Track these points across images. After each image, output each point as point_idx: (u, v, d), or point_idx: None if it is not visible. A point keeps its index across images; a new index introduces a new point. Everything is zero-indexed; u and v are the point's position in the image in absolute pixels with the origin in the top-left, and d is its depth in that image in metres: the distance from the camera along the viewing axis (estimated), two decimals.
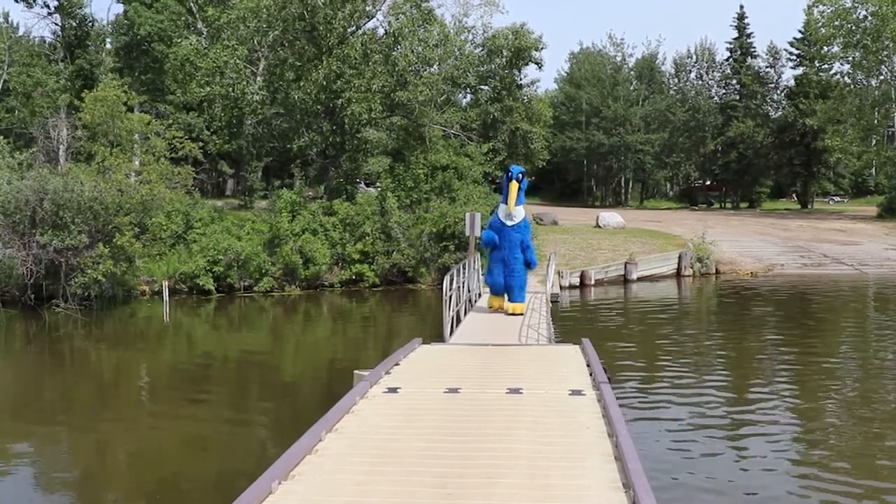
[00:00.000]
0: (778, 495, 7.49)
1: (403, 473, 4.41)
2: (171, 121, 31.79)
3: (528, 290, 14.39)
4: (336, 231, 24.79)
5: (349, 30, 27.19)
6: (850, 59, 49.37)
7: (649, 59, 69.43)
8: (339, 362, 14.22)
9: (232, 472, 8.09)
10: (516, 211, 11.97)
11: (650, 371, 12.87)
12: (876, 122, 49.98)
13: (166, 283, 21.86)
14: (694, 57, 71.48)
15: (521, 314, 12.09)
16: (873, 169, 62.83)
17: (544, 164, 54.99)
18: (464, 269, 13.26)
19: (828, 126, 52.93)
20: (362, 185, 36.77)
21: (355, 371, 8.22)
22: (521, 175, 12.00)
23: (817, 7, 48.26)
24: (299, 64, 27.71)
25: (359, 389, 6.23)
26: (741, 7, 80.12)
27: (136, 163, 26.89)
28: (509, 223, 12.01)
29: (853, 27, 46.77)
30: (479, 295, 15.13)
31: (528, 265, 12.30)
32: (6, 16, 47.61)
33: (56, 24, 42.66)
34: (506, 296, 12.40)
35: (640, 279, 26.16)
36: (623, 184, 70.72)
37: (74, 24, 42.30)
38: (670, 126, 66.74)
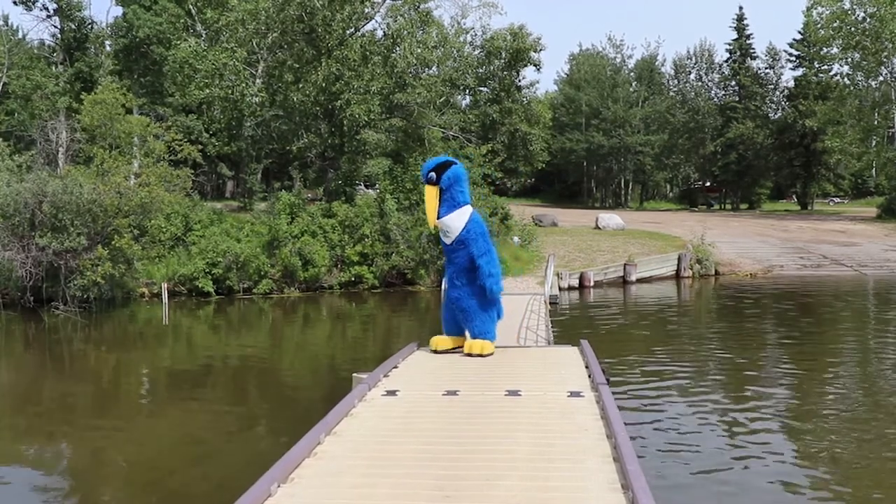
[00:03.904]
0: (778, 496, 7.48)
1: (402, 476, 4.40)
2: (170, 123, 31.82)
3: (527, 291, 14.25)
4: (335, 233, 24.79)
5: (348, 32, 27.22)
6: (850, 60, 49.47)
7: (649, 60, 69.58)
8: (338, 365, 14.20)
9: (230, 475, 8.08)
10: (446, 224, 7.86)
11: (649, 372, 12.86)
12: (876, 123, 50.06)
13: (165, 286, 21.86)
14: (693, 58, 71.65)
15: (481, 355, 7.78)
16: (873, 170, 62.92)
17: (544, 165, 55.18)
18: None
19: (828, 127, 53.06)
20: (362, 186, 36.81)
21: (354, 374, 8.20)
22: (434, 174, 7.79)
23: (816, 9, 48.36)
24: (298, 66, 27.75)
25: (357, 392, 6.22)
26: (740, 8, 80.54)
27: (136, 165, 26.92)
28: (447, 241, 8.03)
29: (852, 29, 46.86)
30: None
31: (484, 289, 7.84)
32: (6, 18, 47.76)
33: (55, 27, 42.83)
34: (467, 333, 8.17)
35: (639, 281, 26.16)
36: (623, 185, 70.81)
37: (73, 26, 42.42)
38: (670, 127, 66.85)
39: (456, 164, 7.95)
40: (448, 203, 7.87)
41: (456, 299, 8.05)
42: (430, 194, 7.84)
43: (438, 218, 7.85)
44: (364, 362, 13.09)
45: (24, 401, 12.25)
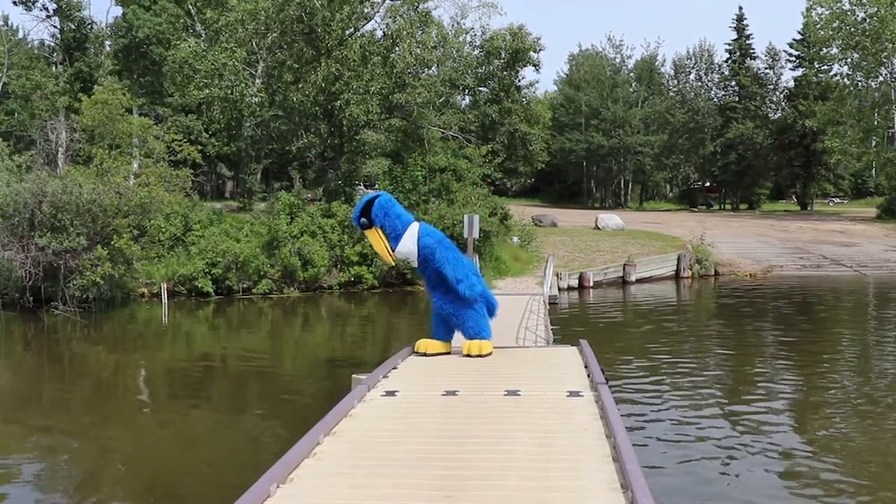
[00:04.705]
0: (776, 490, 7.48)
1: (401, 476, 4.40)
2: (169, 123, 31.80)
3: (527, 291, 14.26)
4: (335, 233, 24.77)
5: (347, 32, 27.20)
6: (849, 60, 49.48)
7: (648, 60, 69.56)
8: (338, 365, 14.19)
9: (230, 475, 8.08)
10: (402, 254, 8.05)
11: (648, 372, 12.86)
12: (875, 123, 50.08)
13: (165, 286, 21.85)
14: (693, 58, 71.60)
15: (480, 355, 7.95)
16: (873, 170, 62.93)
17: (544, 165, 55.11)
18: None
19: (827, 127, 53.05)
20: (361, 186, 36.82)
21: (353, 375, 8.21)
22: (364, 219, 7.96)
23: (816, 9, 48.35)
24: (298, 66, 27.74)
25: (357, 393, 6.22)
26: (740, 9, 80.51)
27: (135, 165, 26.91)
28: (414, 265, 8.32)
29: (852, 29, 46.87)
30: None
31: (460, 294, 7.99)
32: (6, 18, 47.79)
33: (55, 27, 42.77)
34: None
35: (638, 281, 26.16)
36: (622, 185, 70.78)
37: (73, 26, 42.37)
38: (669, 128, 66.82)
39: (378, 196, 8.04)
40: (393, 235, 7.98)
41: (441, 308, 8.19)
42: (374, 238, 8.04)
43: (393, 252, 8.00)
44: (363, 363, 13.08)
45: (23, 401, 12.25)
